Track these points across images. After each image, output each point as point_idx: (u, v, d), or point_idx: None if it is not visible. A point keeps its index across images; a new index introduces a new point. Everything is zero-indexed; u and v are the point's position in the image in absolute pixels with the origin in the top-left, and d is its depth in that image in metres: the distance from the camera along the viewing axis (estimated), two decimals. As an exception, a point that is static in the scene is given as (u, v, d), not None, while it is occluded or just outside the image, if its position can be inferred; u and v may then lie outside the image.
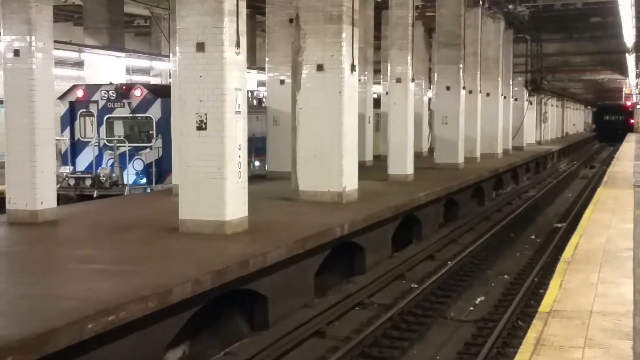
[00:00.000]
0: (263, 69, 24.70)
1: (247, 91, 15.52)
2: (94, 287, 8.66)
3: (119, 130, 21.45)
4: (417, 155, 26.13)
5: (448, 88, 27.37)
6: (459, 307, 13.15)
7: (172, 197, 15.93)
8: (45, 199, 13.50)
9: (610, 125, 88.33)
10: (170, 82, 19.92)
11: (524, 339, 7.18)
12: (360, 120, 18.31)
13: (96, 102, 21.25)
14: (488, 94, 34.19)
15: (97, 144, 21.09)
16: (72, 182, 19.90)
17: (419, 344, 11.12)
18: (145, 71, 34.32)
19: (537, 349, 6.74)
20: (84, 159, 21.39)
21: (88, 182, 19.83)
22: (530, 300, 13.09)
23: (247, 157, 13.23)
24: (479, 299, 13.72)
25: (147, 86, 22.27)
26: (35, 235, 12.54)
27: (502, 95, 36.22)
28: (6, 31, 13.24)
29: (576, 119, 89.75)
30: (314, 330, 11.14)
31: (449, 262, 16.15)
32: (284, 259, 11.39)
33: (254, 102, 26.47)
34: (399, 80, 21.97)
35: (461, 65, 27.52)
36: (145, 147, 20.77)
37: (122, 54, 27.29)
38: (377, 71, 32.07)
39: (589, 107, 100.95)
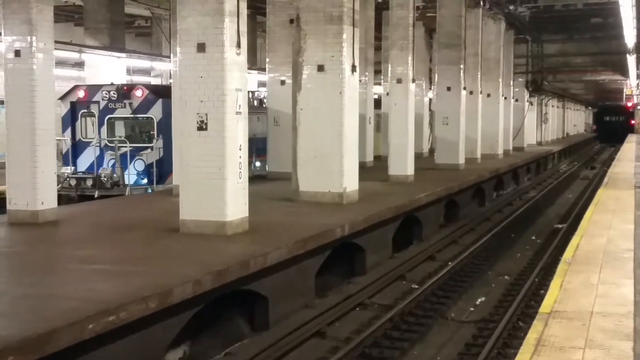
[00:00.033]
0: (264, 69, 24.70)
1: (248, 92, 15.54)
2: (95, 287, 8.66)
3: (120, 130, 21.47)
4: (418, 156, 26.15)
5: (449, 89, 27.38)
6: (460, 308, 13.15)
7: (173, 198, 15.93)
8: (46, 199, 13.51)
9: (611, 126, 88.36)
10: (171, 83, 19.92)
11: (525, 339, 7.18)
12: (360, 120, 18.30)
13: (97, 102, 21.26)
14: (489, 95, 34.20)
15: (98, 144, 21.11)
16: (73, 182, 19.91)
17: (420, 344, 11.12)
18: (146, 72, 34.33)
19: (537, 350, 6.74)
20: (85, 160, 21.40)
21: (89, 183, 19.84)
22: (531, 301, 13.09)
23: (248, 157, 13.23)
24: (479, 300, 13.72)
25: (148, 87, 22.28)
26: (35, 235, 12.54)
27: (502, 96, 36.22)
28: (7, 31, 13.24)
29: (577, 120, 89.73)
30: (315, 331, 11.13)
31: (450, 263, 16.15)
32: (285, 260, 11.39)
33: (255, 102, 26.48)
34: (399, 81, 21.97)
35: (462, 66, 27.53)
36: (146, 148, 20.78)
37: (123, 55, 27.29)
38: (377, 72, 32.05)
39: (590, 108, 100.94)
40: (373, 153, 28.80)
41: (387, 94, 25.19)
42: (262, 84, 31.59)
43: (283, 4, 22.09)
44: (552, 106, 60.45)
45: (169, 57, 22.57)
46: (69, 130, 21.55)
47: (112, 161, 20.72)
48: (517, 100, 42.66)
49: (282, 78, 22.07)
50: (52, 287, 8.90)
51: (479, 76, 31.23)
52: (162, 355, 9.15)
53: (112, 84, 22.10)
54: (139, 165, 20.80)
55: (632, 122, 78.98)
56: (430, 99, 37.61)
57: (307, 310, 12.13)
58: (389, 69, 22.34)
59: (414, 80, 22.35)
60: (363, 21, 24.63)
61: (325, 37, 16.21)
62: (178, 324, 9.15)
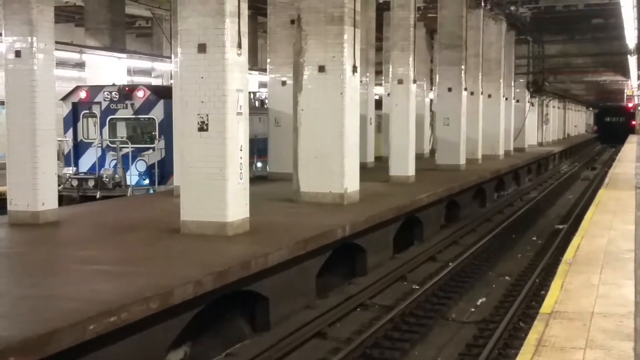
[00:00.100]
0: (265, 70, 24.70)
1: (250, 92, 15.56)
2: (96, 288, 8.66)
3: (122, 131, 21.49)
4: (419, 157, 26.16)
5: (450, 89, 27.39)
6: (460, 309, 13.14)
7: (174, 199, 15.93)
8: (47, 200, 13.51)
9: (611, 127, 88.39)
10: (171, 84, 19.94)
11: (525, 340, 7.19)
12: (361, 121, 18.30)
13: (99, 103, 21.28)
14: (490, 96, 34.21)
15: (100, 145, 21.13)
16: (75, 183, 19.92)
17: (420, 345, 11.11)
18: (147, 72, 34.33)
19: (538, 350, 6.74)
20: (87, 160, 21.42)
21: (91, 183, 19.85)
22: (532, 302, 13.09)
23: (249, 158, 13.23)
24: (480, 300, 13.71)
25: (150, 87, 22.30)
26: (36, 236, 12.54)
27: (503, 96, 36.22)
28: (7, 32, 13.24)
29: (578, 121, 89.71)
30: (316, 332, 11.13)
31: (451, 264, 16.15)
32: (286, 260, 11.39)
33: (256, 103, 26.51)
34: (400, 82, 21.97)
35: (463, 67, 27.53)
36: (148, 148, 20.80)
37: (124, 55, 27.29)
38: (378, 72, 32.06)
39: (591, 109, 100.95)
40: (374, 154, 28.80)
41: (388, 94, 25.21)
42: (263, 85, 31.60)
43: (284, 5, 22.10)
44: (553, 107, 60.45)
45: (169, 57, 22.60)
46: (70, 131, 21.57)
47: (114, 162, 20.74)
48: (518, 101, 42.67)
49: (283, 79, 22.07)
50: (53, 287, 8.90)
51: (480, 77, 31.25)
52: (163, 356, 9.15)
53: (113, 85, 22.12)
54: (140, 165, 20.80)
55: (633, 123, 79.00)
56: (431, 100, 37.62)
57: (308, 311, 12.14)
58: (390, 69, 22.34)
59: (415, 81, 22.36)
60: (364, 22, 24.63)
61: (326, 37, 16.21)
62: (179, 324, 9.15)
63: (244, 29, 12.40)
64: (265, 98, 25.34)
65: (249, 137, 12.90)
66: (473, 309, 13.15)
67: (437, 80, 28.52)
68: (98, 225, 13.80)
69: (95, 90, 21.60)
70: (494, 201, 28.17)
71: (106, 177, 19.90)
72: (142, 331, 8.31)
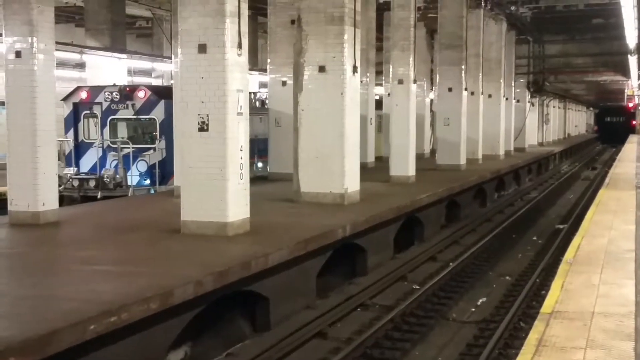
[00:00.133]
0: (265, 70, 24.70)
1: (250, 93, 15.55)
2: (96, 288, 8.66)
3: (123, 131, 21.51)
4: (419, 157, 26.18)
5: (450, 89, 27.39)
6: (461, 309, 13.14)
7: (174, 199, 15.94)
8: (47, 200, 13.51)
9: (612, 127, 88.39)
10: (172, 84, 19.95)
11: (526, 340, 7.19)
12: (362, 121, 18.30)
13: (100, 103, 21.31)
14: (490, 96, 34.21)
15: (100, 145, 21.15)
16: (76, 183, 19.95)
17: (421, 345, 11.11)
18: (147, 73, 34.31)
19: (538, 350, 6.74)
20: (88, 161, 21.45)
21: (92, 184, 19.88)
22: (532, 302, 13.08)
23: (250, 158, 13.24)
24: (480, 300, 13.71)
25: (151, 88, 22.32)
26: (37, 236, 12.55)
27: (504, 96, 36.22)
28: (8, 32, 13.25)
29: (578, 121, 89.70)
30: (316, 332, 11.13)
31: (451, 264, 16.14)
32: (286, 261, 11.39)
33: (257, 103, 26.54)
34: (401, 82, 21.97)
35: (463, 67, 27.54)
36: (149, 149, 20.82)
37: (124, 56, 27.28)
38: (379, 72, 32.06)
39: (591, 109, 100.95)
40: (374, 154, 28.81)
41: (389, 94, 25.20)
42: (263, 85, 31.59)
43: (284, 5, 22.10)
44: (554, 107, 60.44)
45: (170, 58, 22.62)
46: (71, 132, 21.60)
47: (115, 162, 20.76)
48: (518, 101, 42.67)
49: (284, 79, 22.08)
50: (53, 288, 8.91)
51: (481, 77, 31.25)
52: (163, 356, 9.15)
53: (114, 85, 22.14)
54: (141, 166, 20.81)
55: (633, 122, 78.99)
56: (431, 100, 37.61)
57: (309, 311, 12.14)
58: (390, 69, 22.34)
59: (415, 81, 22.36)
60: (364, 22, 24.64)
61: (326, 37, 16.21)
62: (179, 324, 9.15)
63: (244, 29, 12.40)
64: (266, 98, 25.35)
65: (250, 138, 12.90)
66: (473, 309, 13.15)
67: (437, 80, 28.52)
68: (98, 225, 13.81)
69: (96, 90, 21.61)
70: (494, 201, 28.17)
71: (107, 178, 19.93)
72: (142, 331, 8.31)
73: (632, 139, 59.39)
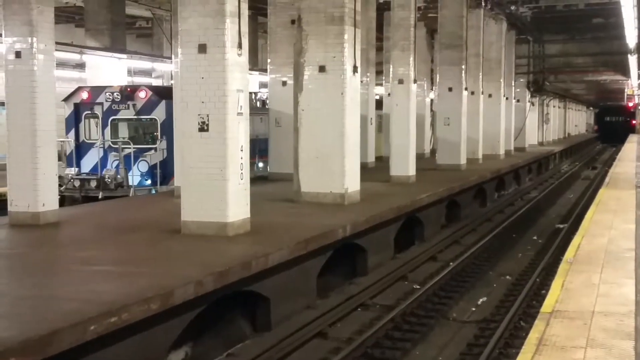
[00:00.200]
0: (265, 70, 24.71)
1: (251, 93, 15.54)
2: (97, 288, 8.66)
3: (124, 132, 21.54)
4: (419, 157, 26.19)
5: (450, 89, 27.40)
6: (461, 308, 13.14)
7: (174, 199, 15.94)
8: (47, 200, 13.51)
9: (612, 127, 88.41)
10: (172, 84, 19.96)
11: (526, 339, 7.19)
12: (362, 121, 18.29)
13: (101, 104, 21.33)
14: (490, 95, 34.22)
15: (102, 145, 21.17)
16: (77, 183, 20.00)
17: (421, 344, 11.11)
18: (147, 73, 34.32)
19: (539, 350, 6.74)
20: (89, 161, 21.48)
21: (93, 184, 19.93)
22: (532, 301, 13.08)
23: (251, 158, 13.24)
24: (481, 300, 13.71)
25: (152, 88, 22.34)
26: (37, 237, 12.54)
27: (504, 96, 36.23)
28: (7, 33, 13.25)
29: (578, 120, 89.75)
30: (317, 332, 11.13)
31: (451, 263, 16.15)
32: (286, 261, 11.39)
33: (258, 103, 26.55)
34: (401, 82, 21.98)
35: (463, 67, 27.54)
36: (150, 149, 20.84)
37: (124, 56, 27.28)
38: (379, 72, 32.06)
39: (591, 108, 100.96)
40: (374, 154, 28.82)
41: (389, 94, 25.21)
42: (263, 85, 31.60)
43: (284, 5, 22.10)
44: (554, 106, 60.46)
45: (170, 58, 22.63)
46: (72, 132, 21.63)
47: (116, 162, 20.78)
48: (518, 100, 42.68)
49: (284, 79, 22.08)
50: (53, 288, 8.91)
51: (481, 77, 31.27)
52: (164, 357, 9.15)
53: (115, 86, 22.17)
54: (142, 166, 20.82)
55: (633, 122, 78.99)
56: (431, 100, 37.62)
57: (309, 311, 12.14)
58: (391, 69, 22.34)
59: (415, 81, 22.36)
60: (364, 22, 24.64)
61: (326, 37, 16.21)
62: (180, 325, 9.15)
63: (245, 29, 12.40)
64: (266, 98, 25.36)
65: (250, 138, 12.91)
66: (474, 309, 13.15)
67: (437, 80, 28.53)
68: (99, 225, 13.80)
69: (97, 91, 21.64)
70: (494, 201, 28.17)
71: (108, 178, 19.97)
72: (143, 332, 8.31)
73: (632, 139, 59.41)
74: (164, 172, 20.43)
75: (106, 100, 21.24)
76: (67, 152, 21.65)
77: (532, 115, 46.76)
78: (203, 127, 12.14)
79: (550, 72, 47.07)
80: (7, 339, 6.66)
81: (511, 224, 22.28)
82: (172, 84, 20.25)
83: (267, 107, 24.22)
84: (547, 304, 8.28)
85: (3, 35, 13.39)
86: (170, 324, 8.88)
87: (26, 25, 13.07)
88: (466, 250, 17.58)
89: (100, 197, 19.42)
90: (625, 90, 63.06)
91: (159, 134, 20.83)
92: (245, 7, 12.44)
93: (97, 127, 21.51)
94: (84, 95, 21.49)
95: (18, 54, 13.16)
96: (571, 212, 24.97)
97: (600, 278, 9.54)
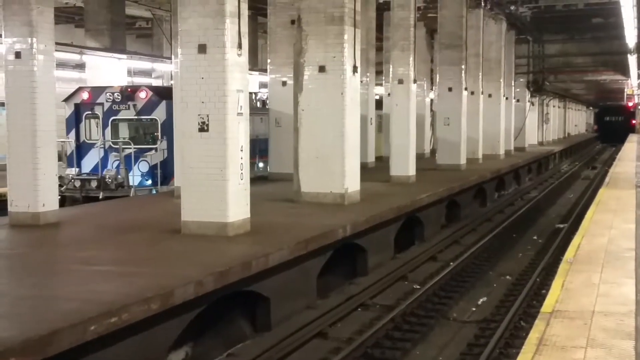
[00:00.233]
0: (265, 70, 24.71)
1: (251, 93, 15.54)
2: (97, 288, 8.66)
3: (124, 132, 21.55)
4: (419, 157, 26.19)
5: (450, 89, 27.40)
6: (462, 308, 13.14)
7: (175, 199, 15.95)
8: (47, 201, 13.51)
9: (612, 126, 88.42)
10: (172, 84, 19.97)
11: (527, 339, 7.19)
12: (362, 121, 18.28)
13: (101, 104, 21.35)
14: (490, 95, 34.22)
15: (102, 146, 21.18)
16: (77, 183, 20.02)
17: (422, 344, 11.11)
18: (147, 73, 34.34)
19: (539, 349, 6.74)
20: (90, 161, 21.50)
21: (94, 184, 19.96)
22: (533, 301, 13.08)
23: (251, 158, 13.24)
24: (481, 300, 13.71)
25: (152, 88, 22.35)
26: (37, 237, 12.55)
27: (504, 96, 36.23)
28: (7, 33, 13.25)
29: (578, 120, 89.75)
30: (317, 332, 11.13)
31: (451, 263, 16.14)
32: (287, 261, 11.39)
33: (258, 104, 26.57)
34: (401, 82, 21.98)
35: (463, 67, 27.54)
36: (151, 149, 20.85)
37: (124, 56, 27.30)
38: (379, 72, 32.06)
39: (591, 108, 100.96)
40: (374, 154, 28.82)
41: (389, 94, 25.21)
42: (263, 85, 31.60)
43: (284, 5, 22.11)
44: (554, 106, 60.47)
45: (170, 58, 22.64)
46: (73, 132, 21.65)
47: (117, 162, 20.79)
48: (518, 100, 42.68)
49: (284, 79, 22.09)
50: (53, 288, 8.91)
51: (480, 76, 31.27)
52: (164, 357, 9.15)
53: (117, 86, 22.19)
54: (143, 166, 20.84)
55: (633, 122, 78.97)
56: (431, 100, 37.62)
57: (309, 311, 12.14)
58: (391, 69, 22.35)
59: (415, 81, 22.36)
60: (364, 22, 24.64)
61: (326, 37, 16.21)
62: (180, 325, 9.15)
63: (244, 29, 12.40)
64: (266, 98, 25.36)
65: (251, 138, 12.91)
66: (474, 309, 13.15)
67: (437, 80, 28.53)
68: (99, 226, 13.80)
69: (97, 91, 21.66)
70: (494, 201, 28.17)
71: (109, 178, 20.00)
72: (143, 332, 8.31)
73: (632, 138, 59.40)
74: (164, 172, 20.43)
75: (107, 101, 21.26)
76: (68, 153, 21.69)
77: (531, 115, 46.77)
78: (203, 127, 12.14)
79: (550, 72, 47.09)
80: (7, 339, 6.66)
81: (511, 223, 22.28)
82: (172, 85, 20.26)
83: (267, 107, 24.23)
84: (547, 304, 8.28)
85: (3, 35, 13.38)
86: (170, 324, 8.88)
87: (26, 25, 13.07)
88: (466, 250, 17.58)
89: (100, 197, 19.44)
90: (625, 90, 63.05)
91: (159, 134, 20.85)
92: (245, 7, 12.44)
93: (97, 127, 21.54)
94: (85, 95, 21.51)
95: (18, 55, 13.16)
96: (571, 212, 24.97)
97: (601, 278, 9.54)
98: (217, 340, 10.60)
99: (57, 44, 14.46)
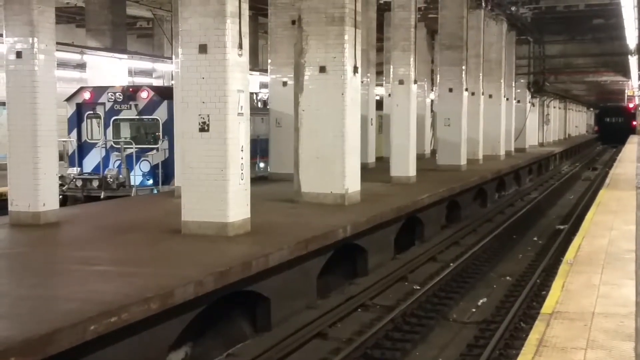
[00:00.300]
0: (265, 70, 24.72)
1: (252, 93, 15.54)
2: (97, 288, 8.66)
3: (126, 132, 21.56)
4: (420, 157, 26.18)
5: (450, 90, 27.40)
6: (462, 309, 13.14)
7: (175, 199, 15.95)
8: (48, 200, 13.52)
9: (612, 127, 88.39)
10: (172, 84, 19.98)
11: (527, 340, 7.19)
12: (362, 122, 18.29)
13: (103, 104, 21.37)
14: (490, 96, 34.22)
15: (104, 145, 21.20)
16: (79, 183, 20.05)
17: (421, 345, 11.11)
18: (148, 73, 34.34)
19: (539, 351, 6.74)
20: (91, 161, 21.52)
21: (95, 184, 19.99)
22: (533, 302, 13.08)
23: (252, 158, 13.24)
24: (481, 301, 13.71)
25: (154, 88, 22.37)
26: (37, 237, 12.55)
27: (504, 97, 36.24)
28: (9, 33, 13.26)
29: (578, 121, 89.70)
30: (317, 332, 11.13)
31: (452, 264, 16.14)
32: (287, 261, 11.40)
33: (259, 104, 26.57)
34: (401, 82, 21.98)
35: (464, 67, 27.55)
36: (152, 149, 20.86)
37: (125, 56, 27.32)
38: (379, 73, 32.06)
39: (592, 109, 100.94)
40: (375, 154, 28.82)
41: (389, 95, 25.20)
42: (264, 85, 31.60)
43: (285, 5, 22.12)
44: (554, 107, 60.44)
45: (170, 58, 22.64)
46: (74, 132, 21.67)
47: (118, 162, 20.80)
48: (518, 101, 42.67)
49: (284, 79, 22.10)
50: (53, 288, 8.91)
51: (481, 77, 31.27)
52: (164, 357, 9.15)
53: (118, 86, 22.21)
54: (144, 166, 20.86)
55: (634, 123, 78.94)
56: (432, 100, 37.62)
57: (309, 311, 12.14)
58: (391, 70, 22.34)
59: (415, 82, 22.36)
60: (365, 22, 24.65)
61: (327, 38, 16.21)
62: (180, 325, 9.15)
63: (245, 29, 12.41)
64: (267, 99, 25.36)
65: (252, 138, 12.92)
66: (474, 310, 13.15)
67: (438, 81, 28.53)
68: (99, 225, 13.81)
69: (99, 91, 21.69)
70: (495, 201, 28.17)
71: (110, 178, 20.01)
72: (143, 332, 8.31)
73: (633, 140, 59.36)
74: (165, 172, 20.44)
75: (108, 101, 21.28)
76: (70, 152, 21.72)
77: (532, 116, 46.75)
78: (204, 128, 12.14)
79: (550, 73, 47.08)
80: (7, 339, 6.66)
81: (511, 224, 22.26)
82: (172, 84, 20.27)
83: (267, 107, 24.23)
84: (548, 305, 8.28)
85: (4, 35, 13.39)
86: (170, 324, 8.88)
87: (27, 25, 13.09)
88: (466, 251, 17.57)
89: (102, 197, 19.46)
90: (626, 91, 63.04)
91: (160, 134, 20.88)
92: (245, 7, 12.45)
93: (99, 127, 21.58)
94: (86, 95, 21.55)
95: (19, 54, 13.18)
96: (571, 213, 24.96)
97: (601, 279, 9.54)
98: (217, 340, 10.60)
99: (58, 43, 14.47)
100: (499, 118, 34.94)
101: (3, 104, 14.03)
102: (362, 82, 18.30)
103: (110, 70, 26.24)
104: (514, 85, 40.44)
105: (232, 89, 12.07)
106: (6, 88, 13.36)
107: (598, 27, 40.48)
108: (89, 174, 20.84)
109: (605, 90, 69.17)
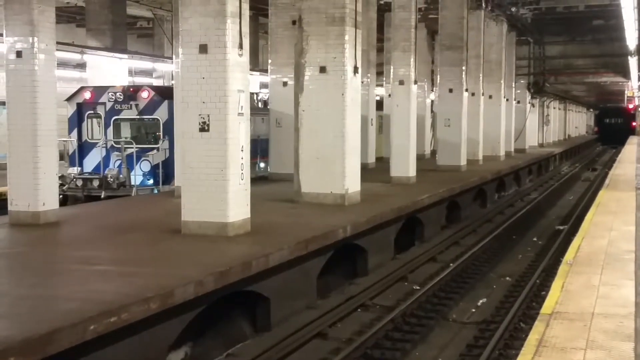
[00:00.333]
0: (266, 70, 24.72)
1: (252, 93, 15.54)
2: (97, 288, 8.67)
3: (126, 131, 21.57)
4: (420, 158, 26.18)
5: (451, 90, 27.41)
6: (461, 309, 13.14)
7: (175, 199, 15.95)
8: (47, 200, 13.52)
9: (612, 128, 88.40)
10: (173, 84, 19.99)
11: (526, 340, 7.19)
12: (362, 122, 18.29)
13: (104, 104, 21.38)
14: (490, 97, 34.22)
15: (104, 145, 21.21)
16: (79, 183, 20.07)
17: (421, 345, 11.11)
18: (148, 73, 34.35)
19: (539, 351, 6.74)
20: (92, 160, 21.53)
21: (95, 183, 20.00)
22: (532, 302, 13.09)
23: (252, 158, 13.24)
24: (481, 301, 13.71)
25: (154, 88, 22.37)
26: (37, 236, 12.55)
27: (504, 97, 36.25)
28: (9, 32, 13.26)
29: (578, 122, 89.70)
30: (317, 332, 11.14)
31: (451, 264, 16.14)
32: (287, 261, 11.40)
33: (260, 104, 26.59)
34: (401, 83, 21.98)
35: (464, 68, 27.56)
36: (152, 149, 20.87)
37: (125, 56, 27.32)
38: (380, 73, 32.07)
39: (591, 110, 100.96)
40: (375, 154, 28.82)
41: (389, 95, 25.20)
42: (264, 86, 31.60)
43: (285, 5, 22.12)
44: (554, 108, 60.44)
45: (171, 58, 22.65)
46: (75, 131, 21.68)
47: (119, 162, 20.81)
48: (518, 102, 42.67)
49: (285, 79, 22.10)
50: (53, 288, 8.92)
51: (481, 78, 31.28)
52: (164, 356, 9.15)
53: (119, 86, 22.22)
54: (145, 166, 20.87)
55: (634, 124, 78.94)
56: (432, 101, 37.62)
57: (309, 311, 12.14)
58: (391, 70, 22.35)
59: (416, 82, 22.36)
60: (365, 23, 24.65)
61: (327, 38, 16.22)
62: (180, 325, 9.16)
63: (245, 29, 12.41)
64: (267, 99, 25.37)
65: (252, 138, 12.92)
66: (474, 310, 13.15)
67: (438, 81, 28.54)
68: (99, 225, 13.81)
69: (99, 90, 21.70)
70: (494, 202, 28.17)
71: (111, 177, 20.02)
72: (142, 331, 8.31)
73: (632, 140, 59.37)
74: (166, 171, 20.45)
75: (109, 100, 21.29)
76: (70, 152, 21.72)
77: (532, 116, 46.76)
78: (204, 127, 12.14)
79: (550, 74, 47.09)
80: (6, 339, 6.66)
81: (511, 225, 22.27)
82: (173, 84, 20.28)
83: (268, 107, 24.24)
84: (547, 306, 8.28)
85: (4, 34, 13.39)
86: (170, 324, 8.89)
87: (27, 25, 13.09)
88: (466, 251, 17.57)
89: (102, 196, 19.47)
90: (626, 92, 63.04)
91: (161, 133, 20.89)
92: (246, 7, 12.46)
93: (99, 126, 21.59)
94: (87, 95, 21.56)
95: (19, 54, 13.18)
96: (571, 214, 24.97)
97: (600, 280, 9.54)
98: (217, 340, 10.60)
99: (58, 43, 14.46)
100: (499, 119, 34.96)
101: (3, 103, 14.02)
102: (362, 82, 18.32)
103: (110, 70, 26.24)
104: (514, 85, 40.45)
105: (232, 89, 12.07)
106: (6, 88, 13.36)
107: (598, 28, 40.50)
108: (90, 173, 20.86)
109: (605, 91, 69.18)
